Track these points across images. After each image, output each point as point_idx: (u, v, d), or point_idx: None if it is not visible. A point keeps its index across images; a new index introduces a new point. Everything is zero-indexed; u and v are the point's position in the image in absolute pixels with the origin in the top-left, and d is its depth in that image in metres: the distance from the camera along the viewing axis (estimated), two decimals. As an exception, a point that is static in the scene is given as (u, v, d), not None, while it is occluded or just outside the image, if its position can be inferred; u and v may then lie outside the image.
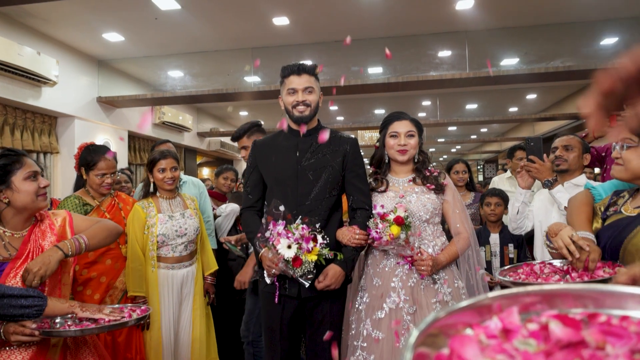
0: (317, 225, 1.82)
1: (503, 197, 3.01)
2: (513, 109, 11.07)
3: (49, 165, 6.24)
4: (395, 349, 1.79)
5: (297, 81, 1.94)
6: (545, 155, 2.30)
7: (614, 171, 1.49)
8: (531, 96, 9.92)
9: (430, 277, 1.90)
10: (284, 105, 2.01)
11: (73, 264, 1.75)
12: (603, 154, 2.59)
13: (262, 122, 2.71)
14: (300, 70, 1.95)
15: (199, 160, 11.89)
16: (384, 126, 2.08)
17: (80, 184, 2.50)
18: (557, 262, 1.50)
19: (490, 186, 4.22)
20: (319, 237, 1.76)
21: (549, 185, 2.27)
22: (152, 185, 2.54)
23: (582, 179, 2.32)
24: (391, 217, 1.79)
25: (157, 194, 2.54)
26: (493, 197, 3.03)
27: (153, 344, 2.38)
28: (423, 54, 6.52)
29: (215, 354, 2.66)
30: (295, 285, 1.88)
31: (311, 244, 1.72)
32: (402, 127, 2.02)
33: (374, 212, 1.92)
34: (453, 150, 18.91)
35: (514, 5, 5.43)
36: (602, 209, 1.57)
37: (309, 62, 2.00)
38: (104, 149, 2.44)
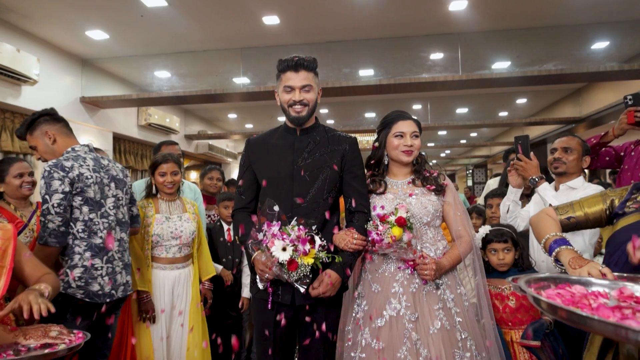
0: (313, 228, 1.70)
1: None
2: (503, 114, 11.10)
3: (29, 167, 6.01)
4: (397, 360, 1.67)
5: (295, 78, 1.81)
6: (532, 153, 2.29)
7: None
8: (521, 100, 9.94)
9: (433, 283, 1.80)
10: (280, 103, 1.88)
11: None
12: (622, 154, 2.52)
13: (54, 110, 2.20)
14: (297, 65, 1.81)
15: (186, 163, 11.68)
16: (385, 125, 1.98)
17: None
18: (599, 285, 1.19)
19: (485, 189, 4.17)
20: (317, 239, 1.63)
21: (534, 183, 2.25)
22: (153, 187, 2.60)
23: (578, 182, 2.29)
24: (392, 218, 1.68)
25: (158, 195, 2.61)
26: (494, 198, 2.94)
27: (144, 342, 2.40)
28: (415, 56, 6.46)
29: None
30: (289, 292, 1.76)
31: (308, 246, 1.59)
32: (407, 127, 1.92)
33: (373, 213, 1.82)
34: (442, 154, 18.96)
35: (507, 8, 5.39)
36: (617, 201, 1.47)
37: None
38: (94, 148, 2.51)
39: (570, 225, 1.57)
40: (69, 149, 2.09)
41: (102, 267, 2.02)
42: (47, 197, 1.91)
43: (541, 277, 1.06)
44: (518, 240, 2.22)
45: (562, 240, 1.44)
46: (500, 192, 2.95)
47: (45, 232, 1.90)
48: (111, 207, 2.11)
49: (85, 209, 2.00)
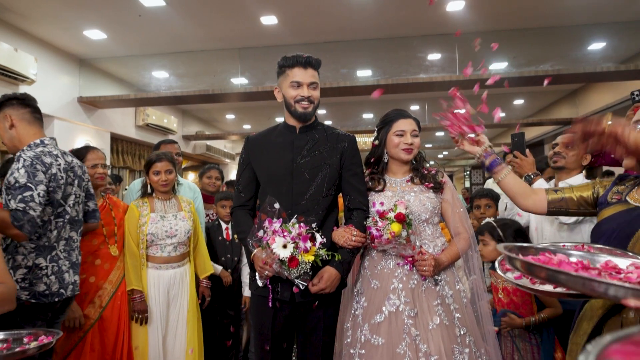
0: (313, 225, 1.71)
1: (493, 197, 2.91)
2: (500, 115, 11.13)
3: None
4: (396, 355, 1.68)
5: (303, 74, 1.83)
6: (527, 150, 2.30)
7: (626, 161, 1.41)
8: (518, 101, 9.98)
9: (431, 279, 1.81)
10: (284, 98, 1.88)
11: None
12: None
13: (26, 95, 2.08)
14: (307, 63, 1.84)
15: (184, 164, 11.67)
16: (385, 123, 1.99)
17: None
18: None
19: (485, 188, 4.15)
20: (317, 236, 1.64)
21: (529, 180, 2.25)
22: (149, 186, 2.59)
23: (577, 179, 2.27)
24: (391, 214, 1.69)
25: (154, 194, 2.60)
26: (482, 198, 2.92)
27: (140, 342, 2.39)
28: (413, 56, 6.48)
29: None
30: (289, 288, 1.76)
31: (309, 243, 1.59)
32: (408, 125, 1.94)
33: (372, 210, 1.83)
34: (440, 156, 18.98)
35: (504, 9, 5.42)
36: (602, 190, 1.51)
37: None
38: (90, 146, 2.55)
39: (559, 205, 1.60)
40: (37, 141, 1.99)
41: (46, 266, 1.93)
42: (31, 185, 1.81)
43: (524, 246, 1.10)
44: (500, 236, 2.24)
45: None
46: (486, 192, 2.94)
47: (25, 217, 1.77)
48: (70, 206, 2.04)
49: (48, 209, 1.93)
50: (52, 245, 1.97)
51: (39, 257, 1.92)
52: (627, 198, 1.39)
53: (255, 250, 1.72)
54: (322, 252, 1.65)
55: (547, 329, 2.12)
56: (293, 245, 1.59)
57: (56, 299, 1.94)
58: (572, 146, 2.30)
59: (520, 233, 2.22)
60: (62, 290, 1.97)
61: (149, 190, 2.60)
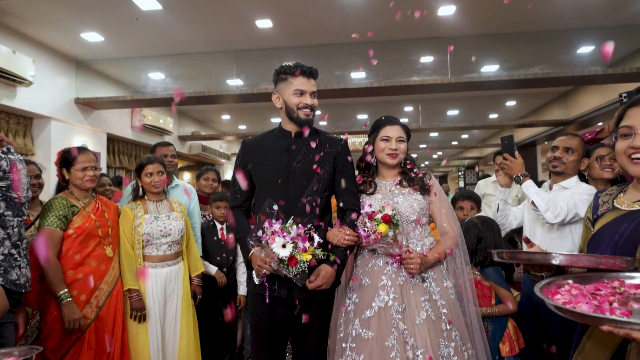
0: (309, 226, 1.80)
1: (475, 199, 2.95)
2: (493, 116, 11.26)
3: (24, 168, 6.02)
4: (385, 348, 1.77)
5: (307, 83, 1.93)
6: (517, 152, 2.31)
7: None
8: (511, 103, 10.11)
9: (419, 276, 1.89)
10: (286, 104, 1.95)
11: None
12: None
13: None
14: (310, 73, 1.94)
15: (179, 164, 11.70)
16: (374, 129, 2.08)
17: (60, 189, 2.51)
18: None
19: (476, 190, 4.23)
20: (315, 237, 1.74)
21: (518, 180, 2.27)
22: (140, 189, 2.64)
23: (572, 182, 2.27)
24: (379, 215, 1.78)
25: (145, 197, 2.66)
26: (465, 200, 2.95)
27: (140, 339, 2.44)
28: (405, 59, 6.58)
29: (199, 355, 2.66)
30: (285, 286, 1.85)
31: (307, 244, 1.69)
32: (393, 131, 2.02)
33: (362, 211, 1.91)
34: (434, 156, 19.11)
35: (494, 13, 5.52)
36: (590, 217, 1.47)
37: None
38: (81, 147, 2.52)
39: None
40: (4, 149, 1.94)
41: (16, 258, 1.94)
42: None
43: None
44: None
45: None
46: (469, 194, 2.98)
47: None
48: (26, 207, 2.04)
49: (2, 204, 1.89)
50: (16, 242, 1.97)
51: (13, 248, 1.93)
52: (615, 204, 1.37)
53: (254, 250, 1.80)
54: (318, 251, 1.74)
55: (500, 322, 2.31)
56: (292, 245, 1.68)
57: (22, 291, 1.97)
58: (573, 151, 2.26)
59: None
60: (27, 284, 1.99)
61: (140, 193, 2.64)
